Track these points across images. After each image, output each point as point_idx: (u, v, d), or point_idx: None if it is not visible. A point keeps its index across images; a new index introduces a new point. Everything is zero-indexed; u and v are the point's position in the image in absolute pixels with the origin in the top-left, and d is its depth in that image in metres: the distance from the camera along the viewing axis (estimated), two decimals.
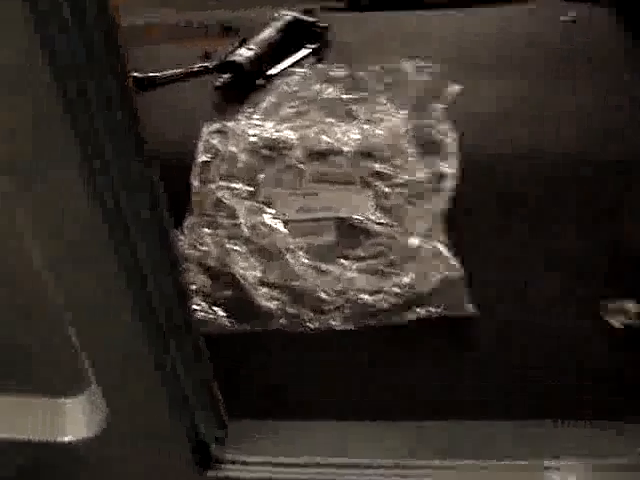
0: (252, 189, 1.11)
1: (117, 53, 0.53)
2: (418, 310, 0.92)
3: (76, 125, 0.50)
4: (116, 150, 0.55)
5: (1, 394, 0.81)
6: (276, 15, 1.60)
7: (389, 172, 1.11)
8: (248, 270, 0.99)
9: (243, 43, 1.52)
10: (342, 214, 1.06)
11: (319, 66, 1.41)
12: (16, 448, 0.83)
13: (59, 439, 0.79)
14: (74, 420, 0.80)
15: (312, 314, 0.93)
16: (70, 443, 0.79)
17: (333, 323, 0.92)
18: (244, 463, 0.83)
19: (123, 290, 0.63)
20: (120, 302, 0.64)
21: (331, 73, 1.36)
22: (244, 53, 1.45)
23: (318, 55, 1.50)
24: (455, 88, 1.27)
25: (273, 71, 1.44)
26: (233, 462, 0.83)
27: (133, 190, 0.58)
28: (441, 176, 1.09)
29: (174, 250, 0.69)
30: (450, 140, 1.16)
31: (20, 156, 0.53)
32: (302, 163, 1.15)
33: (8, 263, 0.67)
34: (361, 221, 1.05)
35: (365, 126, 1.21)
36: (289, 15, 1.59)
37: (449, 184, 1.08)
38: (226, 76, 1.42)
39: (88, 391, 0.77)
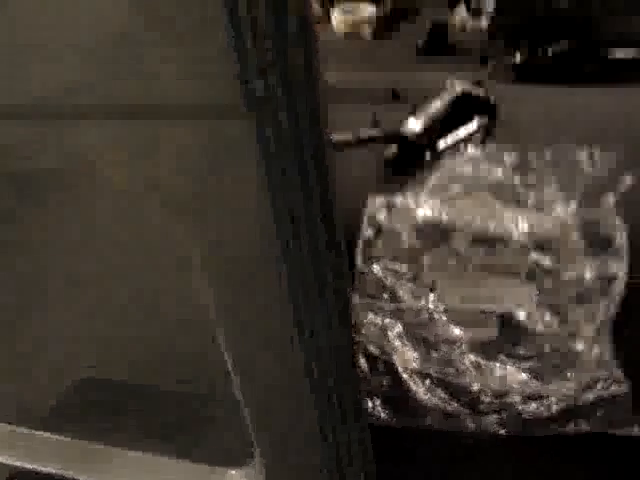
0: (415, 272, 1.13)
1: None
2: (577, 423, 0.90)
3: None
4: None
5: (162, 456, 0.86)
6: (446, 85, 1.62)
7: (556, 268, 1.10)
8: (404, 359, 1.00)
9: (412, 113, 1.54)
10: (505, 308, 1.05)
11: (489, 145, 1.41)
12: None
13: None
14: None
15: (469, 414, 0.93)
16: None
17: (489, 427, 0.91)
18: None
19: (300, 369, 0.65)
20: (295, 381, 0.67)
21: (501, 154, 1.36)
22: (414, 125, 1.47)
23: (487, 131, 1.50)
24: (628, 179, 1.24)
25: (442, 145, 1.45)
26: None
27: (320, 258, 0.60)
28: (610, 278, 1.07)
29: (349, 323, 0.71)
30: (620, 238, 1.13)
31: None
32: (467, 249, 1.15)
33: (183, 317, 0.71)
34: (525, 318, 1.04)
35: (533, 215, 1.19)
36: (459, 86, 1.60)
37: (618, 287, 1.05)
38: (394, 147, 1.45)
39: (250, 464, 0.80)
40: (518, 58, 1.82)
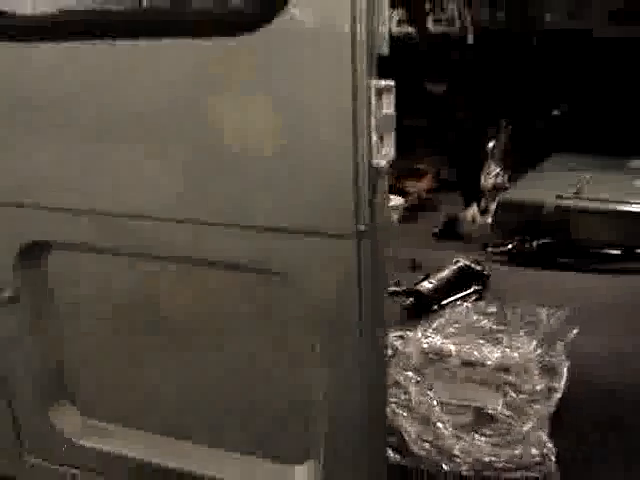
0: (419, 379, 1.64)
1: None
2: (518, 474, 1.37)
3: None
4: None
5: (235, 452, 1.17)
6: (453, 260, 2.19)
7: (517, 383, 1.60)
8: (410, 430, 1.49)
9: (426, 277, 2.10)
10: (480, 405, 1.55)
11: (479, 303, 1.95)
12: None
13: None
14: None
15: (448, 462, 1.40)
16: None
17: (461, 469, 1.39)
18: None
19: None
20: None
21: (486, 309, 1.90)
22: (426, 285, 2.03)
23: (479, 295, 2.06)
24: (574, 331, 1.76)
25: (445, 301, 2.00)
26: None
27: None
28: (552, 389, 1.57)
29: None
30: (563, 367, 1.64)
31: None
32: (457, 368, 1.66)
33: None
34: (492, 412, 1.53)
35: (506, 350, 1.71)
36: (462, 262, 2.18)
37: (557, 395, 1.55)
38: (411, 299, 2.00)
39: (309, 462, 1.10)
40: (510, 247, 2.40)
